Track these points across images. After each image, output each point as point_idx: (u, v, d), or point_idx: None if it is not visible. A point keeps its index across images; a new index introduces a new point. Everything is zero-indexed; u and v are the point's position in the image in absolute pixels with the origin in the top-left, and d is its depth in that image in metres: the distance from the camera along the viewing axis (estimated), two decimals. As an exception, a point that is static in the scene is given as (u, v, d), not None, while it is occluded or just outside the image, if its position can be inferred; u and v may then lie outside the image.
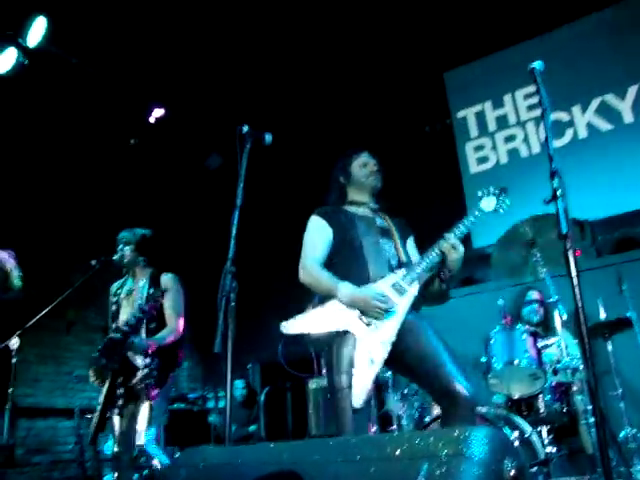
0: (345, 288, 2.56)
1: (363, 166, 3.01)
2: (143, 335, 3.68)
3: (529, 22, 5.94)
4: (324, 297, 2.64)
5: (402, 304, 2.58)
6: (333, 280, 2.61)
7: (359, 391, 2.41)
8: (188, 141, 7.18)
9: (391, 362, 2.54)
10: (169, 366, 3.76)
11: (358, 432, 2.40)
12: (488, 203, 2.83)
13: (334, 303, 2.58)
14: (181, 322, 3.80)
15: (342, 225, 2.81)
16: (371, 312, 2.52)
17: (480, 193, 2.87)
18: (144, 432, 3.50)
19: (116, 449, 3.62)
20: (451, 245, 2.67)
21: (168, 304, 3.79)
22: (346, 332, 2.50)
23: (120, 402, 3.57)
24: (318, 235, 2.81)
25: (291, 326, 2.60)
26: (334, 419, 2.63)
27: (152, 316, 3.69)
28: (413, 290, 2.62)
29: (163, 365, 3.63)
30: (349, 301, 2.54)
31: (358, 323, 2.52)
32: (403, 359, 2.55)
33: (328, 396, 2.58)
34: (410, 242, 2.97)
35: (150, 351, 3.52)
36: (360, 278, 2.60)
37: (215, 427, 6.20)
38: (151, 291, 3.75)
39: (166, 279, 3.87)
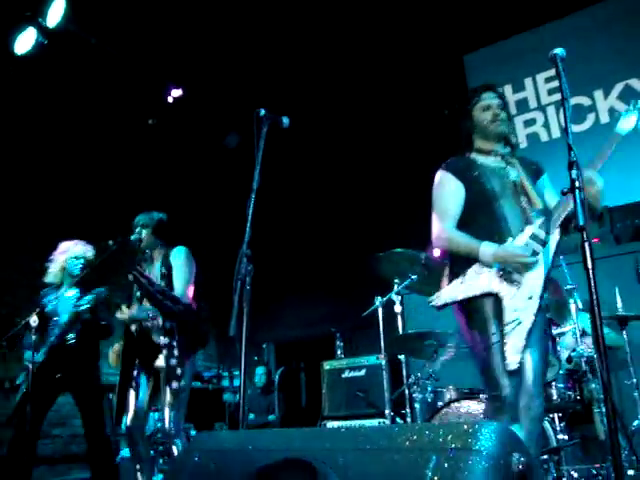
0: (486, 248, 2.45)
1: (485, 109, 2.72)
2: (148, 305, 3.72)
3: (550, 5, 5.83)
4: (460, 265, 2.53)
5: (544, 255, 2.46)
6: (474, 242, 2.50)
7: (511, 352, 2.31)
8: (206, 121, 7.18)
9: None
10: (193, 344, 3.75)
11: (514, 391, 2.33)
12: (628, 121, 2.60)
13: (475, 267, 2.49)
14: (189, 291, 3.76)
15: (474, 180, 2.64)
16: (514, 268, 2.41)
17: (623, 110, 2.66)
18: (169, 415, 3.51)
19: (129, 423, 3.66)
20: (587, 179, 2.35)
21: (175, 275, 3.80)
22: (491, 294, 2.42)
23: (139, 380, 3.63)
24: (449, 195, 2.66)
25: (438, 299, 2.53)
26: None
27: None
28: (554, 238, 2.48)
29: (186, 343, 3.63)
30: (491, 260, 2.43)
31: (502, 283, 2.42)
32: None
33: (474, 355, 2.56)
34: (542, 182, 2.73)
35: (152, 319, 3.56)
36: (500, 236, 2.49)
37: (230, 405, 6.28)
38: (163, 270, 3.80)
39: (174, 252, 3.88)
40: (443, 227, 2.61)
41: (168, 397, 3.47)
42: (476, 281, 2.46)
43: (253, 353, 6.78)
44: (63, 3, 5.15)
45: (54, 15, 5.17)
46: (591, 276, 1.88)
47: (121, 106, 6.47)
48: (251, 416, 6.37)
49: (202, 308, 4.02)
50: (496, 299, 2.42)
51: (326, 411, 5.06)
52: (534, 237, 2.47)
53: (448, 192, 2.66)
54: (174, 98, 6.46)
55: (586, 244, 1.92)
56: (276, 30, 6.31)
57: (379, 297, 4.33)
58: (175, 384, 3.40)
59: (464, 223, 2.62)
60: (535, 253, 2.42)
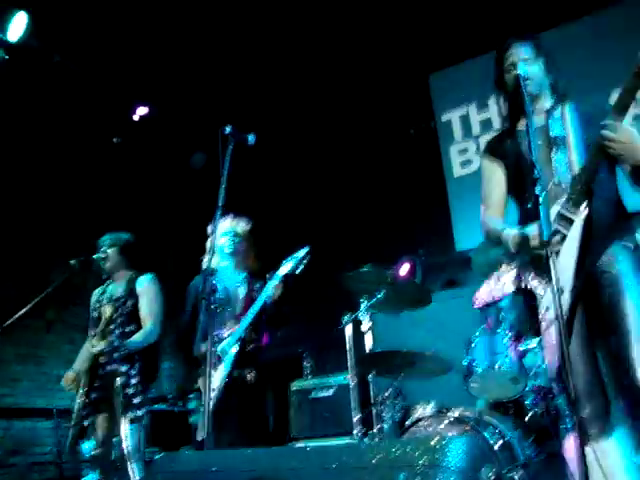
0: (509, 233, 2.25)
1: (509, 71, 2.44)
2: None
3: (516, 25, 5.95)
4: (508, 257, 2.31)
5: (571, 237, 2.10)
6: (499, 227, 2.32)
7: (549, 355, 2.08)
8: (172, 140, 7.12)
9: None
10: (150, 374, 3.72)
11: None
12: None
13: (507, 259, 2.31)
14: (158, 323, 3.78)
15: (508, 152, 2.42)
16: (536, 256, 2.09)
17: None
18: (127, 439, 3.47)
19: (97, 451, 3.59)
20: (602, 138, 2.07)
21: (143, 306, 3.76)
22: (525, 289, 2.21)
23: (99, 407, 3.55)
24: (488, 180, 2.50)
25: (477, 300, 2.40)
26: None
27: (126, 320, 3.67)
28: (581, 213, 2.10)
29: (145, 372, 3.58)
30: (514, 248, 2.21)
31: (535, 276, 2.18)
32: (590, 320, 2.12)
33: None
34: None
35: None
36: (532, 213, 2.07)
37: (196, 428, 6.15)
38: (125, 294, 3.74)
39: (141, 281, 3.85)
40: (483, 215, 2.47)
41: (125, 425, 3.43)
42: (511, 276, 2.27)
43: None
44: (25, 18, 5.08)
45: (15, 30, 5.10)
46: (555, 290, 1.88)
47: (86, 124, 6.38)
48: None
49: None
50: (530, 295, 2.19)
51: (293, 432, 4.99)
52: (558, 217, 2.14)
53: (487, 177, 2.52)
54: (140, 116, 6.41)
55: (550, 260, 1.93)
56: (243, 49, 6.32)
57: (346, 316, 4.30)
58: (132, 413, 3.34)
59: (515, 202, 2.43)
60: (559, 236, 2.07)
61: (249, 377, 3.41)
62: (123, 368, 3.50)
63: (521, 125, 2.43)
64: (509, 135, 2.48)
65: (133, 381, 3.42)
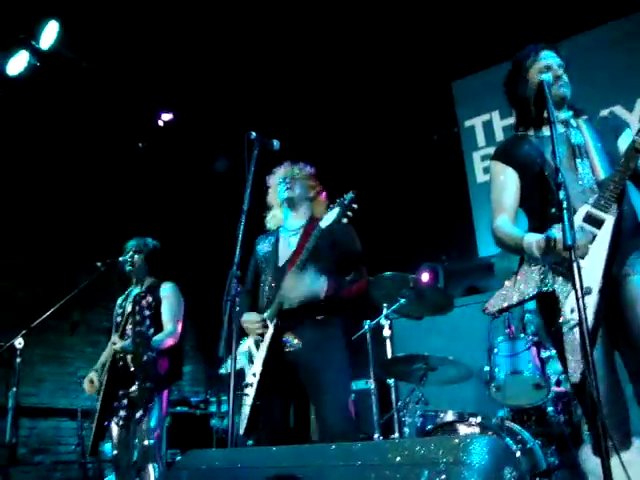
0: (529, 238, 2.18)
1: (545, 70, 2.39)
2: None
3: (538, 32, 5.93)
4: (520, 264, 2.28)
5: (601, 237, 2.08)
6: (518, 233, 2.25)
7: (571, 362, 2.01)
8: (196, 145, 7.21)
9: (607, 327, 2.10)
10: (166, 379, 3.74)
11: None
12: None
13: (527, 264, 2.24)
14: (179, 326, 3.81)
15: (525, 159, 2.37)
16: (562, 260, 2.03)
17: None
18: (145, 439, 3.50)
19: (115, 452, 3.64)
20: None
21: (165, 310, 3.82)
22: (547, 293, 2.14)
23: (119, 410, 3.59)
24: (500, 186, 2.44)
25: (491, 305, 2.28)
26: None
27: (148, 321, 3.71)
28: (615, 214, 2.09)
29: (157, 375, 3.60)
30: (536, 253, 2.14)
31: (557, 279, 2.13)
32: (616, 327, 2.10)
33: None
34: (622, 140, 2.30)
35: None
36: (556, 217, 2.04)
37: (217, 431, 6.19)
38: (150, 300, 3.78)
39: (163, 288, 3.90)
40: (494, 221, 2.41)
41: (135, 427, 3.47)
42: (530, 280, 2.21)
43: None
44: (56, 26, 5.21)
45: (47, 38, 5.23)
46: (580, 296, 1.87)
47: (112, 129, 6.49)
48: (249, 442, 6.27)
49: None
50: (552, 298, 2.13)
51: (314, 436, 4.99)
52: (588, 218, 2.11)
53: (497, 182, 2.46)
54: (164, 122, 6.50)
55: (574, 264, 1.92)
56: (267, 57, 6.39)
57: (368, 321, 4.32)
58: (138, 414, 3.37)
59: (528, 211, 2.39)
60: (584, 240, 2.04)
61: (294, 342, 2.94)
62: (139, 370, 3.52)
63: (545, 131, 2.39)
64: (525, 141, 2.44)
65: (147, 384, 3.45)
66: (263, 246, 3.28)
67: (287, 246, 3.16)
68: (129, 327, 3.69)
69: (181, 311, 3.88)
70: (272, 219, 3.39)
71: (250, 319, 3.01)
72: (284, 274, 2.93)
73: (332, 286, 2.91)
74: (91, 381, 3.81)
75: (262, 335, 2.96)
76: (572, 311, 2.04)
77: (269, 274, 3.11)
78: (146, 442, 3.51)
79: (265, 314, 2.98)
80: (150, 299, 3.63)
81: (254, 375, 2.86)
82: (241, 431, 2.69)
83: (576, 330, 1.99)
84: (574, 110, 2.45)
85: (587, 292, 1.97)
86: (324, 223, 2.82)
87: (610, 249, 2.08)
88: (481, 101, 6.55)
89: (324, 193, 3.33)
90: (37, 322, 4.09)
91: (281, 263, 3.08)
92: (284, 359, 2.92)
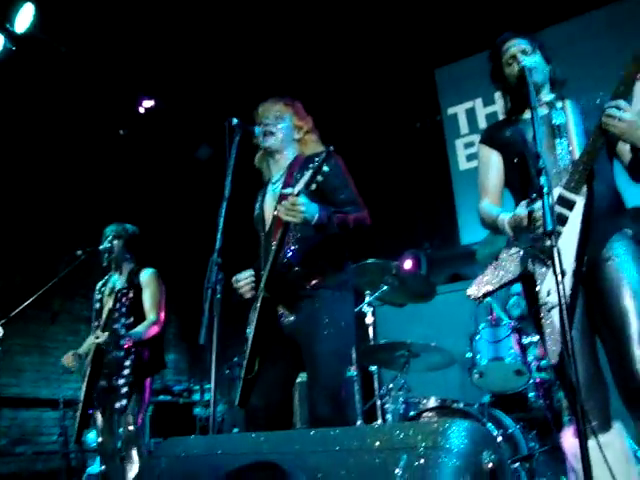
0: (502, 216, 2.23)
1: (511, 62, 2.42)
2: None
3: (521, 20, 5.94)
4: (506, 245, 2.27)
5: (573, 219, 2.08)
6: (495, 213, 2.29)
7: (550, 343, 2.01)
8: (178, 132, 7.14)
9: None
10: (148, 367, 3.73)
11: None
12: None
13: (507, 247, 2.25)
14: (162, 314, 3.80)
15: (508, 142, 2.40)
16: (525, 236, 2.10)
17: None
18: (129, 426, 3.50)
19: (100, 439, 3.65)
20: (606, 115, 2.07)
21: (146, 298, 3.79)
22: (526, 276, 2.15)
23: (101, 399, 3.57)
24: (484, 168, 2.48)
25: (474, 290, 2.26)
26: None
27: (127, 311, 3.68)
28: (584, 195, 2.10)
29: (139, 364, 3.57)
30: (510, 232, 2.18)
31: (535, 261, 2.13)
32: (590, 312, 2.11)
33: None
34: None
35: (126, 346, 3.48)
36: (533, 202, 2.07)
37: (201, 419, 6.19)
38: (127, 286, 3.75)
39: (143, 275, 3.87)
40: (479, 203, 2.44)
41: (115, 416, 3.45)
42: (510, 263, 2.23)
43: (224, 367, 6.70)
44: (32, 9, 5.10)
45: (22, 21, 5.12)
46: (559, 281, 1.88)
47: (92, 115, 6.40)
48: (235, 430, 6.29)
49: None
50: (531, 281, 2.14)
51: (298, 424, 5.01)
52: (560, 200, 2.12)
53: (482, 165, 2.50)
54: (145, 109, 6.43)
55: (554, 249, 1.92)
56: (249, 43, 6.33)
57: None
58: (118, 404, 3.34)
59: (513, 193, 2.42)
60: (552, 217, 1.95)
61: (288, 315, 2.65)
62: (120, 358, 3.50)
63: (525, 115, 2.41)
64: (509, 124, 2.46)
65: (125, 372, 3.42)
66: (255, 208, 2.97)
67: (272, 206, 2.81)
68: (112, 319, 3.69)
69: (162, 298, 3.86)
70: (262, 168, 3.04)
71: (238, 277, 2.76)
72: (271, 241, 2.65)
73: (324, 212, 2.50)
74: (71, 357, 3.78)
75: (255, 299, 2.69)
76: (548, 294, 2.05)
77: (262, 238, 2.85)
78: (130, 428, 3.51)
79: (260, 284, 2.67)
80: (131, 295, 3.61)
81: (247, 346, 2.69)
82: (236, 402, 2.59)
83: (553, 312, 2.01)
84: (558, 88, 2.45)
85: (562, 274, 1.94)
86: (297, 188, 2.44)
87: (582, 231, 2.08)
88: (464, 89, 6.55)
89: (314, 132, 3.05)
90: (17, 311, 4.05)
91: (267, 228, 2.80)
92: (283, 332, 2.65)
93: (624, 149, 2.23)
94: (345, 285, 2.69)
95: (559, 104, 2.38)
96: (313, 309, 2.58)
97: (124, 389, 3.35)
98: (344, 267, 2.73)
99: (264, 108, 2.95)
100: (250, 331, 2.67)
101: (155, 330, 3.72)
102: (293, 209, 2.41)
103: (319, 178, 2.43)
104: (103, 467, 3.65)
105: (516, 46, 2.42)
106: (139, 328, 3.64)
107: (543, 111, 2.36)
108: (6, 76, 5.54)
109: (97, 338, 3.61)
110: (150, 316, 3.74)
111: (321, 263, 2.64)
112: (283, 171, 2.88)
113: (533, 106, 2.12)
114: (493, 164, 2.47)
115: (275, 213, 2.62)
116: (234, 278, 2.79)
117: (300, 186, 2.44)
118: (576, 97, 2.42)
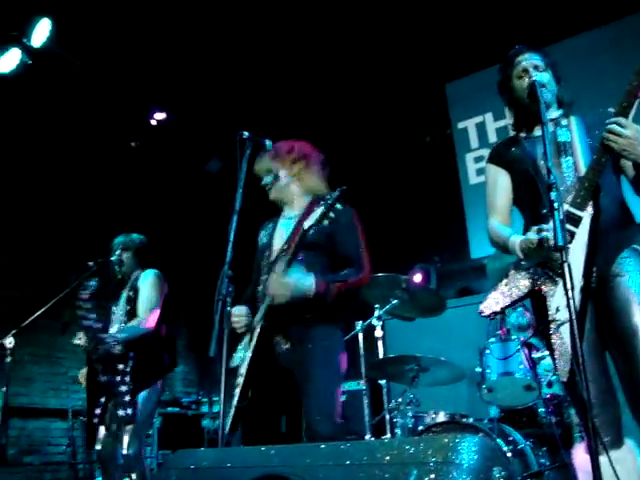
0: (513, 239, 2.21)
1: (522, 76, 2.40)
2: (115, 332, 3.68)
3: (531, 35, 5.96)
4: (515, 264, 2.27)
5: (579, 235, 2.08)
6: (506, 234, 2.28)
7: (560, 361, 2.01)
8: (189, 145, 7.19)
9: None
10: (150, 372, 3.67)
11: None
12: None
13: (517, 265, 2.25)
14: (152, 317, 3.69)
15: (516, 160, 2.39)
16: (537, 259, 2.10)
17: None
18: (126, 442, 3.44)
19: (98, 447, 3.57)
20: (609, 131, 2.08)
21: (139, 299, 3.74)
22: (535, 293, 2.16)
23: (102, 407, 3.54)
24: (492, 187, 2.47)
25: (486, 306, 2.26)
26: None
27: (125, 313, 3.68)
28: (588, 213, 2.09)
29: (139, 370, 3.52)
30: (521, 255, 2.16)
31: (545, 279, 2.14)
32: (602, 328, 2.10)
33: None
34: None
35: (114, 349, 3.45)
36: (548, 218, 2.00)
37: (209, 431, 6.18)
38: (130, 294, 3.75)
39: (142, 277, 3.83)
40: (488, 222, 2.43)
41: (117, 425, 3.42)
42: (520, 280, 2.22)
43: (233, 378, 6.71)
44: (48, 24, 5.18)
45: (39, 36, 5.20)
46: (570, 296, 1.87)
47: (104, 128, 6.46)
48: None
49: (169, 336, 3.91)
50: (542, 297, 2.14)
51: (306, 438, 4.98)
52: (566, 216, 2.06)
53: (490, 184, 2.49)
54: (157, 121, 6.48)
55: (565, 265, 1.91)
56: (260, 56, 6.38)
57: (360, 322, 4.32)
58: (122, 412, 3.32)
59: (522, 211, 2.41)
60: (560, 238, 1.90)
61: (283, 344, 2.79)
62: (119, 366, 3.46)
63: (536, 131, 2.40)
64: (517, 142, 2.45)
65: (126, 379, 3.39)
66: (262, 236, 3.06)
67: (281, 238, 2.92)
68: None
69: (157, 299, 3.75)
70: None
71: (236, 313, 2.82)
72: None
73: (321, 283, 2.65)
74: (84, 376, 3.79)
75: (248, 333, 2.81)
76: (557, 310, 2.05)
77: (264, 267, 2.91)
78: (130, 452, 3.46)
79: (257, 315, 2.82)
80: (131, 297, 3.62)
81: (241, 375, 2.76)
82: (226, 430, 2.63)
83: (562, 329, 2.01)
84: (564, 106, 2.45)
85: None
86: (308, 222, 2.60)
87: (588, 247, 2.08)
88: (474, 103, 6.56)
89: (312, 157, 3.05)
90: (28, 321, 4.06)
91: (273, 257, 2.88)
92: (277, 361, 2.78)
93: (627, 164, 2.23)
94: (338, 316, 2.81)
95: (564, 121, 2.39)
96: (308, 337, 2.69)
97: (126, 397, 3.32)
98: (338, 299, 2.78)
99: (258, 167, 3.04)
100: (239, 361, 2.78)
101: (142, 330, 3.61)
102: (281, 287, 2.59)
103: (331, 215, 2.53)
104: (104, 476, 3.62)
105: (529, 60, 2.41)
106: (124, 328, 3.62)
107: (550, 129, 2.32)
108: (23, 89, 5.62)
109: (79, 340, 3.59)
110: (138, 317, 3.69)
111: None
112: (298, 208, 2.96)
113: (544, 122, 2.13)
114: (501, 183, 2.45)
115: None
116: (232, 311, 2.79)
117: (311, 221, 2.55)
118: (581, 113, 2.42)
